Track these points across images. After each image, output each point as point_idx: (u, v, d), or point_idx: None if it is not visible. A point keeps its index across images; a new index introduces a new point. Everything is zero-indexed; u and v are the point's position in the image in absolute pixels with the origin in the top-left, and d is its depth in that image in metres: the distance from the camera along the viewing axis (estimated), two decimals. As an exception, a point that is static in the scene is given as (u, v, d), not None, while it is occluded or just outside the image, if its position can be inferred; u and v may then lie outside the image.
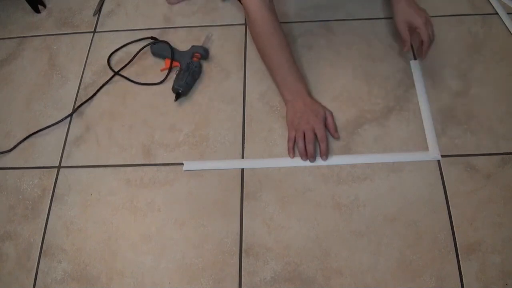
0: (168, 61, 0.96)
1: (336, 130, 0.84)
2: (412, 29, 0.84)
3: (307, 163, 0.83)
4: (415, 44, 0.91)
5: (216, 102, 0.92)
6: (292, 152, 0.82)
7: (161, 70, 0.97)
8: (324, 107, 0.84)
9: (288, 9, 1.05)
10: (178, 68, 0.95)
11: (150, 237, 0.78)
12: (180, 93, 0.91)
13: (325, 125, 0.83)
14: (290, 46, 0.86)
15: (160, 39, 1.01)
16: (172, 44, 0.98)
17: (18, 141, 0.90)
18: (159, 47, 0.98)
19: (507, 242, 0.73)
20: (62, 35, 1.07)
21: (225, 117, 0.90)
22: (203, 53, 0.96)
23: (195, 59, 0.95)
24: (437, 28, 0.98)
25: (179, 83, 0.91)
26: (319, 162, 0.82)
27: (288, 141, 0.83)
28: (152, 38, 1.01)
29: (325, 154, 0.81)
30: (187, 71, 0.92)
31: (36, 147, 0.90)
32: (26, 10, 1.12)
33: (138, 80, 0.96)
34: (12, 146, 0.90)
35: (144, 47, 0.99)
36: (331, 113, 0.84)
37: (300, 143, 0.81)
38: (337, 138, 0.83)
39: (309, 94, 0.85)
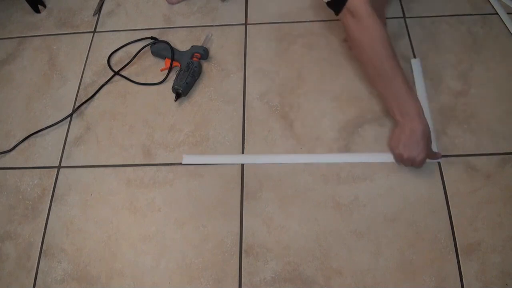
0: (168, 61, 0.96)
1: (434, 155, 0.79)
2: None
3: (306, 159, 0.83)
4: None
5: (216, 102, 0.92)
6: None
7: (161, 70, 0.97)
8: (429, 143, 0.76)
9: (288, 9, 1.05)
10: (178, 68, 0.95)
11: (150, 237, 0.78)
12: (180, 93, 0.91)
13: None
14: None
15: (160, 39, 1.01)
16: (172, 44, 0.98)
17: (18, 141, 0.90)
18: (159, 47, 0.98)
19: (507, 242, 0.73)
20: (62, 35, 1.07)
21: (225, 117, 0.90)
22: (203, 53, 0.96)
23: (195, 59, 0.95)
24: (437, 28, 0.98)
25: (179, 83, 0.91)
26: (319, 160, 0.83)
27: (396, 161, 0.81)
28: (152, 38, 1.01)
29: (437, 157, 0.79)
30: (187, 71, 0.92)
31: (36, 147, 0.90)
32: (26, 10, 1.12)
33: (138, 80, 0.96)
34: (12, 146, 0.90)
35: (144, 47, 0.99)
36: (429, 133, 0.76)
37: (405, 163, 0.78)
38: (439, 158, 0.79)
39: (421, 115, 0.74)
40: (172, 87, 0.91)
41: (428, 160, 0.80)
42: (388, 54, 0.72)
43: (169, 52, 0.96)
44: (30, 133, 0.90)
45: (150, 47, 0.99)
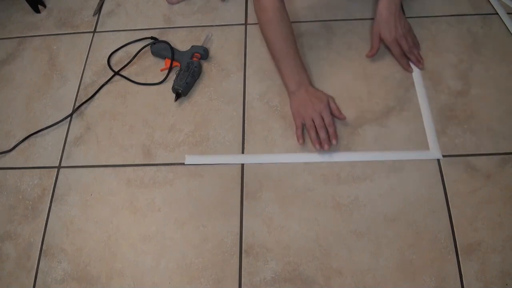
0: (168, 61, 0.96)
1: (340, 112, 0.85)
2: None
3: (306, 159, 0.83)
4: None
5: (216, 102, 0.92)
6: (301, 137, 0.83)
7: (161, 70, 0.97)
8: (326, 94, 0.86)
9: (288, 9, 1.04)
10: (178, 68, 0.95)
11: (150, 237, 0.78)
12: (180, 93, 0.91)
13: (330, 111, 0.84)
14: (295, 36, 0.87)
15: (160, 39, 1.01)
16: (172, 44, 0.98)
17: (18, 141, 0.90)
18: (159, 47, 0.98)
19: (507, 242, 0.73)
20: (62, 35, 1.07)
21: (225, 117, 0.90)
22: (203, 53, 0.96)
23: (195, 59, 0.95)
24: (437, 28, 0.98)
25: (179, 83, 0.91)
26: (319, 159, 0.83)
27: (296, 128, 0.84)
28: (152, 38, 1.01)
29: (335, 138, 0.81)
30: (187, 71, 0.92)
31: (36, 147, 0.90)
32: (26, 10, 1.12)
33: (138, 80, 0.96)
34: (12, 146, 0.90)
35: (144, 47, 0.99)
36: (333, 98, 0.86)
37: (312, 132, 0.82)
38: (344, 118, 0.85)
39: (311, 84, 0.87)
40: (172, 87, 0.91)
41: (428, 160, 0.81)
42: (281, 35, 0.82)
43: (169, 52, 0.96)
44: (30, 133, 0.90)
45: (150, 47, 0.99)
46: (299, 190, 0.80)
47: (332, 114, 0.84)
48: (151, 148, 0.87)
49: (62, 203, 0.83)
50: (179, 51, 0.98)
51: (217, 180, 0.83)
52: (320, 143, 0.81)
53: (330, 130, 0.82)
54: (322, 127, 0.81)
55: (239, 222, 0.78)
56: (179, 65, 0.95)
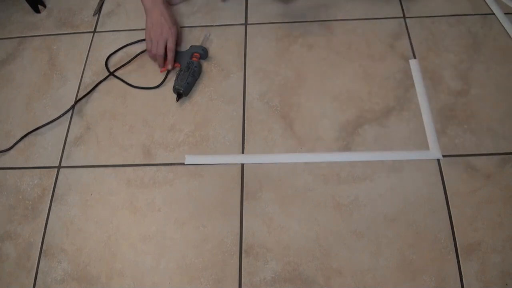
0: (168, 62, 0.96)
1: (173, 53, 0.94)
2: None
3: (306, 159, 0.83)
4: None
5: (216, 102, 0.92)
6: (162, 65, 0.95)
7: (161, 71, 0.96)
8: (177, 23, 0.94)
9: (288, 9, 1.05)
10: (177, 69, 0.95)
11: (150, 237, 0.78)
12: (182, 93, 0.91)
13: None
14: None
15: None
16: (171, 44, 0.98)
17: (17, 139, 0.90)
18: None
19: (507, 242, 0.73)
20: (62, 35, 1.07)
21: (225, 117, 0.90)
22: (202, 53, 0.96)
23: (194, 59, 0.95)
24: (437, 28, 0.98)
25: (180, 83, 0.91)
26: (319, 159, 0.83)
27: (148, 51, 0.94)
28: None
29: (171, 63, 0.94)
30: (187, 71, 0.92)
31: (36, 147, 0.90)
32: (26, 10, 1.12)
33: (137, 80, 0.96)
34: (11, 145, 0.90)
35: (144, 50, 0.99)
36: (179, 33, 0.95)
37: (153, 50, 0.93)
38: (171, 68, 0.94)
39: (165, 3, 0.93)
40: (173, 87, 0.91)
41: (428, 160, 0.81)
42: None
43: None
44: (29, 131, 0.90)
45: None
46: (299, 190, 0.80)
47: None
48: (151, 148, 0.87)
49: (62, 203, 0.83)
50: (179, 51, 0.98)
51: (217, 180, 0.83)
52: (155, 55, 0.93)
53: (169, 55, 0.93)
54: (162, 48, 0.91)
55: (239, 222, 0.78)
56: (179, 66, 0.95)
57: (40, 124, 0.92)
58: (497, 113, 0.86)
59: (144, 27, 1.06)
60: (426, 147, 0.83)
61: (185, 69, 0.93)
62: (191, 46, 0.98)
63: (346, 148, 0.84)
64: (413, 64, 0.93)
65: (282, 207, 0.79)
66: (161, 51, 0.92)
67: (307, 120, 0.88)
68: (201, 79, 0.96)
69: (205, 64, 0.98)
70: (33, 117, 0.94)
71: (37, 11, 1.11)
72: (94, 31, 1.07)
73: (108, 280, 0.75)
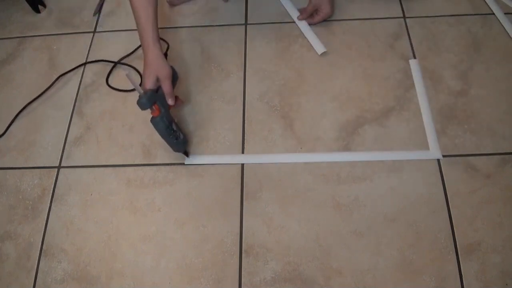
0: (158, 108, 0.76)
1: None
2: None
3: (307, 159, 0.83)
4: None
5: (216, 102, 0.92)
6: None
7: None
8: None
9: (288, 9, 1.05)
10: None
11: (150, 237, 0.78)
12: (188, 153, 0.84)
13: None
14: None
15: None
16: (171, 44, 0.98)
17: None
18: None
19: (507, 242, 0.73)
20: (62, 35, 1.07)
21: (225, 117, 0.90)
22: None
23: (154, 113, 0.76)
24: (437, 28, 0.98)
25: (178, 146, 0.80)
26: (319, 159, 0.83)
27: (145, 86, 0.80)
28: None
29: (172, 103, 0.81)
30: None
31: (36, 147, 0.90)
32: (26, 10, 1.12)
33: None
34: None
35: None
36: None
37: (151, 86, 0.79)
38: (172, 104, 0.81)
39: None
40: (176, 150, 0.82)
41: (428, 160, 0.81)
42: (139, 15, 0.82)
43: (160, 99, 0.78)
44: (22, 108, 0.90)
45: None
46: (299, 190, 0.80)
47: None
48: (151, 148, 0.87)
49: (62, 203, 0.83)
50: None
51: (217, 180, 0.83)
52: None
53: (169, 100, 0.80)
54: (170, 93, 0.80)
55: (239, 222, 0.78)
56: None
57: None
58: (497, 113, 0.86)
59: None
60: (426, 147, 0.83)
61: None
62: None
63: (346, 148, 0.84)
64: (413, 64, 0.93)
65: (282, 207, 0.79)
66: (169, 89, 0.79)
67: (307, 120, 0.88)
68: (201, 79, 0.95)
69: (205, 64, 0.98)
70: (33, 117, 0.94)
71: (37, 11, 1.11)
72: (94, 31, 1.07)
73: (108, 280, 0.75)
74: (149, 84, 0.77)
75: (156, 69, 0.78)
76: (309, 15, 1.00)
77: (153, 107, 0.74)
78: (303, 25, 1.01)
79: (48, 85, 0.97)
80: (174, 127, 0.79)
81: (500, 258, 0.72)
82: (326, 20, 1.01)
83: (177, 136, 0.79)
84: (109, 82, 0.97)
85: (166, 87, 0.78)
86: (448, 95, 0.89)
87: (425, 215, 0.77)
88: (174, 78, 0.83)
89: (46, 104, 0.96)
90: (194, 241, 0.77)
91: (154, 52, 0.79)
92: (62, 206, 0.83)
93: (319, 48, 0.96)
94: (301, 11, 1.02)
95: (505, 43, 0.95)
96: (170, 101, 0.80)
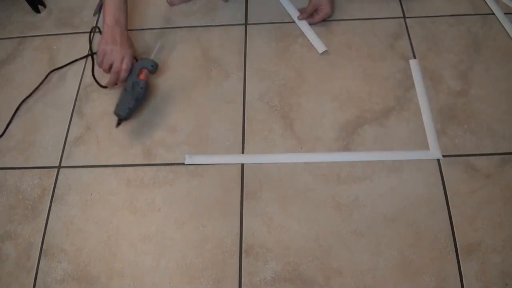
0: None
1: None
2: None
3: (307, 159, 0.83)
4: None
5: (216, 102, 0.92)
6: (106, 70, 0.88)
7: (107, 86, 0.91)
8: (133, 48, 0.89)
9: (288, 9, 1.05)
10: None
11: (150, 237, 0.78)
12: (123, 119, 0.86)
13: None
14: None
15: (160, 40, 1.01)
16: (171, 44, 0.98)
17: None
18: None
19: (507, 242, 0.73)
20: (62, 35, 1.07)
21: (225, 117, 0.90)
22: (151, 69, 0.86)
23: (141, 76, 0.85)
24: (437, 28, 0.98)
25: (121, 108, 0.84)
26: (319, 159, 0.83)
27: (100, 63, 0.87)
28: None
29: (119, 83, 0.88)
30: (131, 93, 0.84)
31: (36, 147, 0.90)
32: (26, 10, 1.12)
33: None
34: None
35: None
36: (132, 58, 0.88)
37: (104, 67, 0.87)
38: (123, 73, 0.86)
39: (126, 27, 0.89)
40: (114, 111, 0.85)
41: (428, 160, 0.81)
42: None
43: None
44: (18, 105, 0.90)
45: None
46: (299, 190, 0.80)
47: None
48: (151, 148, 0.87)
49: (62, 203, 0.83)
50: None
51: (217, 180, 0.83)
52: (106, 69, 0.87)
53: (122, 75, 0.86)
54: (116, 72, 0.85)
55: (239, 222, 0.78)
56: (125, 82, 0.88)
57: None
58: (497, 113, 0.86)
59: (144, 27, 1.06)
60: (426, 147, 0.83)
61: (130, 90, 0.84)
62: (141, 58, 0.88)
63: (346, 148, 0.84)
64: (413, 64, 0.93)
65: (282, 207, 0.79)
66: (117, 67, 0.85)
67: (307, 120, 0.88)
68: (201, 79, 0.96)
69: (204, 64, 0.98)
70: (33, 117, 0.94)
71: (37, 11, 1.11)
72: (94, 31, 1.07)
73: (108, 280, 0.75)
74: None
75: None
76: (309, 15, 1.00)
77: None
78: (303, 25, 1.01)
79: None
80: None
81: (500, 258, 0.72)
82: (326, 20, 1.01)
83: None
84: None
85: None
86: (448, 95, 0.89)
87: (425, 215, 0.77)
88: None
89: (46, 104, 0.96)
90: (194, 241, 0.77)
91: (124, 33, 0.87)
92: (62, 206, 0.83)
93: (320, 47, 0.96)
94: (301, 11, 1.02)
95: (505, 43, 0.95)
96: (110, 87, 0.89)
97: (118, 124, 0.88)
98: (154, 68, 0.87)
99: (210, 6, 1.08)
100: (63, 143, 0.90)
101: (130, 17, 1.08)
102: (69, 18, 1.10)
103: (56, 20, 1.10)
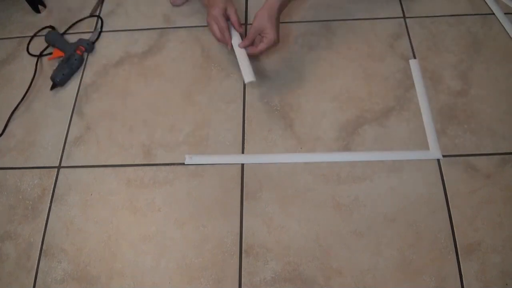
0: (56, 51, 1.00)
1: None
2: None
3: (307, 159, 0.83)
4: None
5: (216, 102, 0.92)
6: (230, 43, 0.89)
7: (48, 59, 1.01)
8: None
9: (289, 9, 1.04)
10: (62, 58, 1.00)
11: (150, 237, 0.78)
12: (56, 83, 0.96)
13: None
14: None
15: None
16: (172, 44, 0.98)
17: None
18: (53, 36, 1.03)
19: (507, 242, 0.73)
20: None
21: (225, 117, 0.90)
22: (87, 47, 1.01)
23: (78, 51, 0.99)
24: (437, 28, 0.98)
25: (56, 73, 0.96)
26: (319, 159, 0.83)
27: (214, 32, 0.89)
28: (50, 27, 1.07)
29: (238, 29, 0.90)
30: (66, 63, 0.97)
31: (36, 147, 0.90)
32: (26, 10, 1.12)
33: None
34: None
35: (35, 35, 1.06)
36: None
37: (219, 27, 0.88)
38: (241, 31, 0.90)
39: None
40: (50, 76, 0.96)
41: (428, 160, 0.81)
42: None
43: (60, 43, 1.01)
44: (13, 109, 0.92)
45: (45, 35, 1.03)
46: (299, 190, 0.80)
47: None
48: (151, 148, 0.87)
49: (62, 203, 0.83)
50: (67, 42, 1.02)
51: (217, 180, 0.83)
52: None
53: (235, 25, 0.89)
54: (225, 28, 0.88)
55: (239, 222, 0.79)
56: (63, 55, 0.99)
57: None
58: (497, 113, 0.86)
59: (144, 27, 1.07)
60: (426, 147, 0.83)
61: (65, 60, 0.97)
62: (79, 39, 1.02)
63: (346, 148, 0.84)
64: (413, 64, 0.93)
65: (282, 207, 0.79)
66: (223, 23, 0.88)
67: (307, 120, 0.88)
68: (200, 78, 0.96)
69: (204, 64, 0.98)
70: (33, 117, 0.94)
71: (37, 11, 1.11)
72: (94, 31, 1.07)
73: (108, 280, 0.75)
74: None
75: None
76: (251, 41, 0.87)
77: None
78: (239, 51, 0.87)
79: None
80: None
81: (500, 258, 0.72)
82: (326, 20, 1.01)
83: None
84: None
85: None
86: (448, 95, 0.89)
87: (425, 215, 0.77)
88: None
89: (46, 104, 0.96)
90: (194, 241, 0.77)
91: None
92: (62, 206, 0.83)
93: (248, 76, 0.84)
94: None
95: (505, 43, 0.95)
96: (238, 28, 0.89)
97: (52, 87, 0.97)
98: (91, 47, 1.02)
99: (210, 6, 1.07)
100: (63, 143, 0.90)
101: (132, 18, 1.08)
102: (69, 18, 1.10)
103: (56, 20, 1.10)
